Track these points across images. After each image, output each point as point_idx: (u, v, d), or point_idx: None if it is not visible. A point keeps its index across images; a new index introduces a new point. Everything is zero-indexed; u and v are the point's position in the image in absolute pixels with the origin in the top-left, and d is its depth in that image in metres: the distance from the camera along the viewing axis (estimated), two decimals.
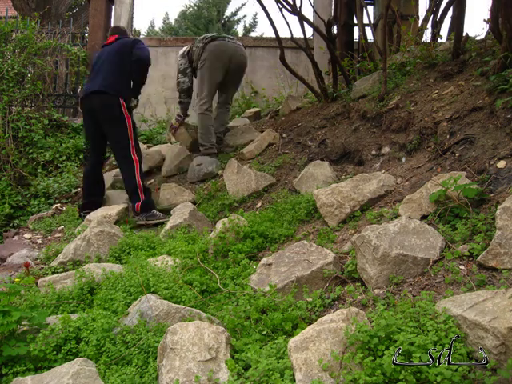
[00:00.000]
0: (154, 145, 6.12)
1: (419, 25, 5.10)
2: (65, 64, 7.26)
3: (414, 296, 1.97)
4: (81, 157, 5.96)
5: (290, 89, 6.69)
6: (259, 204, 3.68)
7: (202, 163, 4.55)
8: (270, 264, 2.53)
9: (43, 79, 6.73)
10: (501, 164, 2.51)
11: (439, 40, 4.79)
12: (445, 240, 2.22)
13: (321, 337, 1.71)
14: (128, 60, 4.02)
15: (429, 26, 4.89)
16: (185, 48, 4.98)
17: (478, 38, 4.23)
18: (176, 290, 2.38)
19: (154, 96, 7.30)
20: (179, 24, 19.82)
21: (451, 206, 2.37)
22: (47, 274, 3.14)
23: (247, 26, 20.23)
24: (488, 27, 3.61)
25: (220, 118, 5.06)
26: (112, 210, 3.99)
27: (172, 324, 1.96)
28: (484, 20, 3.65)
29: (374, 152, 3.59)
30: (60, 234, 4.11)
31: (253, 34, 19.74)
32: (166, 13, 22.56)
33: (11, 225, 5.23)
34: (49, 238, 4.09)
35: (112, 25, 7.48)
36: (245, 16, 24.55)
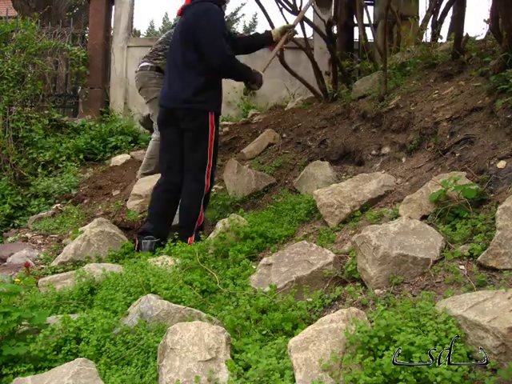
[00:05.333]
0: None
1: (419, 25, 5.09)
2: (65, 64, 7.25)
3: (414, 296, 1.97)
4: (81, 157, 5.95)
5: (289, 89, 6.69)
6: (259, 204, 3.68)
7: None
8: (270, 264, 2.53)
9: (43, 79, 6.72)
10: (501, 164, 2.51)
11: (439, 40, 4.78)
12: (445, 240, 2.22)
13: (321, 337, 1.71)
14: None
15: (429, 26, 4.89)
16: None
17: (478, 38, 4.23)
18: (176, 290, 2.37)
19: None
20: None
21: (451, 206, 2.37)
22: (47, 274, 3.14)
23: (247, 25, 20.21)
24: (488, 27, 3.60)
25: None
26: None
27: (172, 324, 1.96)
28: (484, 20, 3.65)
29: (374, 152, 3.59)
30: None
31: None
32: (166, 13, 22.58)
33: (11, 225, 5.22)
34: (49, 237, 4.09)
35: (112, 25, 7.48)
36: (243, 15, 24.43)
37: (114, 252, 3.27)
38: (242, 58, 3.48)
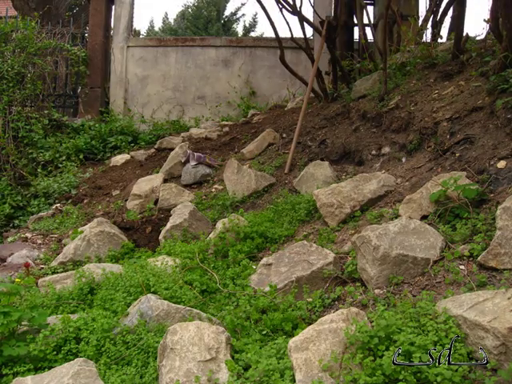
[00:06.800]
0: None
1: (419, 25, 5.09)
2: (65, 64, 7.25)
3: (414, 296, 1.97)
4: (80, 157, 5.95)
5: (290, 89, 6.69)
6: (259, 204, 3.68)
7: (199, 165, 4.58)
8: (270, 264, 2.53)
9: (43, 79, 6.72)
10: (501, 164, 2.51)
11: (439, 40, 4.78)
12: (445, 240, 2.22)
13: (321, 337, 1.71)
14: None
15: (429, 26, 4.89)
16: None
17: (478, 38, 4.23)
18: (176, 290, 2.37)
19: (154, 96, 7.30)
20: (179, 24, 19.79)
21: (451, 206, 2.37)
22: (47, 274, 3.14)
23: (247, 25, 20.18)
24: (488, 27, 3.60)
25: None
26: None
27: (172, 324, 1.96)
28: (484, 20, 3.65)
29: (374, 152, 3.58)
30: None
31: (253, 34, 19.68)
32: (166, 13, 22.51)
33: (11, 225, 5.22)
34: (49, 237, 4.09)
35: (112, 25, 7.47)
36: (243, 15, 24.38)
37: (113, 252, 3.27)
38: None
